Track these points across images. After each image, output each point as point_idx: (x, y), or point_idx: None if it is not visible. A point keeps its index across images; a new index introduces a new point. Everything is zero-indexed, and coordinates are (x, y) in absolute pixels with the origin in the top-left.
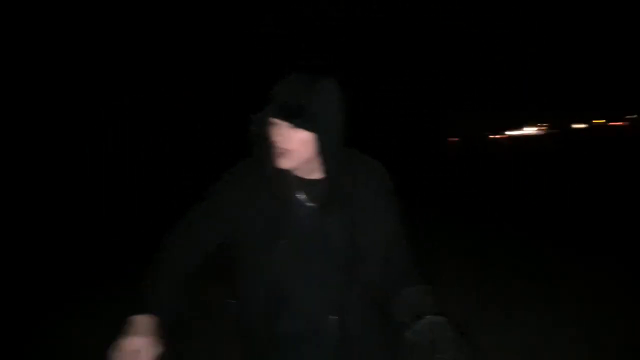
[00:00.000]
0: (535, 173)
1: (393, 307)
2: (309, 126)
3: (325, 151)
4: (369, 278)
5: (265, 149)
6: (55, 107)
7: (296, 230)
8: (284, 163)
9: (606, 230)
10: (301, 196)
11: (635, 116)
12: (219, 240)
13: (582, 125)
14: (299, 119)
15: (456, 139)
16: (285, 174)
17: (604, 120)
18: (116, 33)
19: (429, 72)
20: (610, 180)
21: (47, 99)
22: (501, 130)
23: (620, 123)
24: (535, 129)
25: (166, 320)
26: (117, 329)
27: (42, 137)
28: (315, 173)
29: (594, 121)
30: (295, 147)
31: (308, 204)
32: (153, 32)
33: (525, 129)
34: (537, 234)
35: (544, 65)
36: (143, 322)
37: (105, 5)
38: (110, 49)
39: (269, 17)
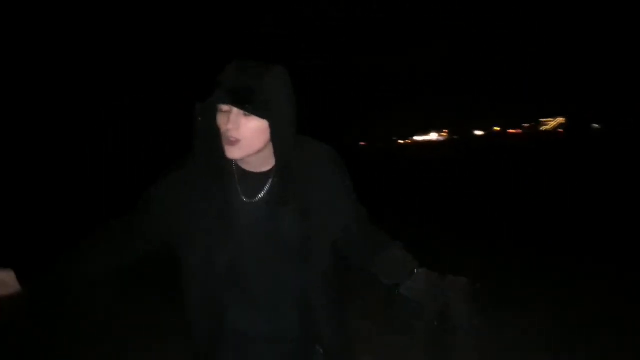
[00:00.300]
0: (436, 175)
1: (377, 271)
2: (262, 113)
3: (278, 140)
4: (323, 268)
5: (212, 139)
6: (55, 107)
7: (245, 226)
8: (235, 153)
9: (499, 231)
10: (249, 190)
11: (530, 124)
12: (153, 243)
13: (482, 133)
14: (251, 105)
15: (365, 143)
16: (233, 166)
17: (501, 128)
18: (116, 33)
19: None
20: (506, 183)
21: (46, 99)
22: (409, 136)
23: (517, 131)
24: (439, 135)
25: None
26: None
27: (41, 137)
28: (265, 164)
29: (494, 128)
30: (247, 135)
31: (257, 197)
32: (153, 32)
33: (431, 134)
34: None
35: (451, 75)
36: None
37: (105, 5)
38: (111, 49)
39: (269, 17)
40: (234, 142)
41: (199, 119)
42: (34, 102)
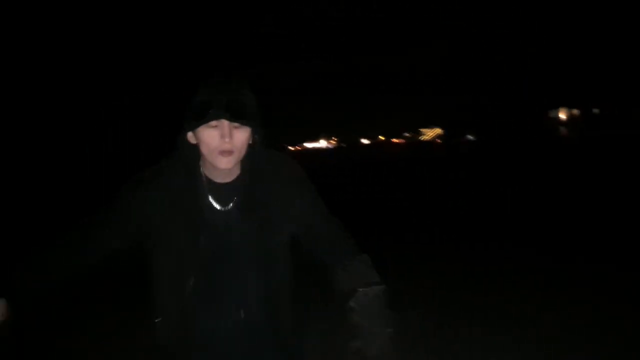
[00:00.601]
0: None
1: (335, 279)
2: (251, 123)
3: (256, 149)
4: (286, 270)
5: (192, 153)
6: (54, 107)
7: (217, 232)
8: (229, 163)
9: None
10: (221, 198)
11: (410, 134)
12: (122, 242)
13: (368, 141)
14: (244, 118)
15: None
16: (203, 177)
17: (385, 137)
18: (116, 33)
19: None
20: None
21: (46, 99)
22: (299, 142)
23: (400, 140)
24: (328, 142)
25: (18, 304)
26: None
27: (41, 137)
28: (230, 175)
29: (379, 137)
30: (239, 146)
31: (228, 206)
32: (153, 32)
33: (321, 141)
34: None
35: (338, 85)
36: None
37: (104, 6)
38: (111, 50)
39: (269, 17)
40: (229, 153)
41: (188, 134)
42: (34, 102)
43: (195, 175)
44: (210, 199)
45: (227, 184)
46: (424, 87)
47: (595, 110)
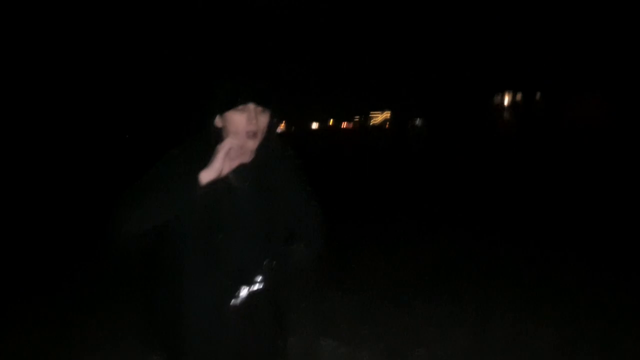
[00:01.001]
0: None
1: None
2: (274, 109)
3: (272, 135)
4: (281, 242)
5: (218, 135)
6: (55, 107)
7: (233, 208)
8: (252, 144)
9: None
10: (237, 177)
11: (359, 117)
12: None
13: (318, 126)
14: (270, 103)
15: None
16: (226, 157)
17: (334, 122)
18: (113, 34)
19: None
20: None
21: (45, 99)
22: None
23: (349, 125)
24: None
25: None
26: None
27: (41, 136)
28: (246, 156)
29: (329, 122)
30: (262, 128)
31: (245, 184)
32: (152, 32)
33: None
34: None
35: (286, 69)
36: None
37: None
38: (109, 49)
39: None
40: (256, 135)
41: (218, 117)
42: (34, 102)
43: (223, 154)
44: (230, 177)
45: (244, 164)
46: (373, 70)
47: (538, 95)
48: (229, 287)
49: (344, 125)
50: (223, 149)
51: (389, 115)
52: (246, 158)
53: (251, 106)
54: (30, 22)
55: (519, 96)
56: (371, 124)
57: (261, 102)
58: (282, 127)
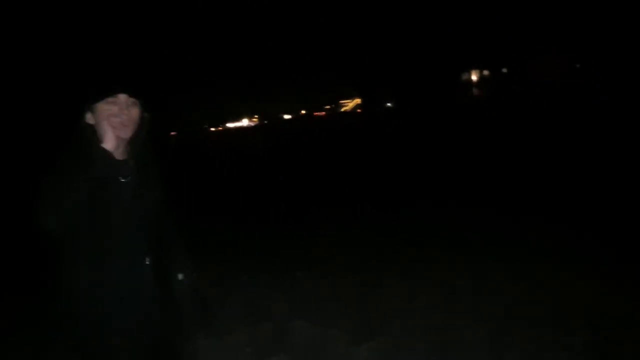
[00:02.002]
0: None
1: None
2: (142, 101)
3: (143, 129)
4: (161, 227)
5: (93, 134)
6: (54, 107)
7: (121, 200)
8: (128, 133)
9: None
10: (121, 171)
11: (331, 106)
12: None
13: (290, 116)
14: (138, 95)
15: (174, 133)
16: (107, 154)
17: (306, 111)
18: (110, 34)
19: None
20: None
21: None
22: (221, 123)
23: (321, 113)
24: (250, 120)
25: None
26: None
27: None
28: (123, 153)
29: (301, 112)
30: (134, 118)
31: (128, 178)
32: (152, 32)
33: (243, 120)
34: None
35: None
36: None
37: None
38: (107, 49)
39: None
40: (127, 124)
41: (89, 114)
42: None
43: (103, 154)
44: (116, 173)
45: (124, 160)
46: (339, 57)
47: (504, 70)
48: (125, 272)
49: (316, 114)
50: (109, 127)
51: (359, 101)
52: (123, 156)
53: (122, 98)
54: None
55: (486, 72)
56: (342, 110)
57: (131, 93)
58: (254, 120)
